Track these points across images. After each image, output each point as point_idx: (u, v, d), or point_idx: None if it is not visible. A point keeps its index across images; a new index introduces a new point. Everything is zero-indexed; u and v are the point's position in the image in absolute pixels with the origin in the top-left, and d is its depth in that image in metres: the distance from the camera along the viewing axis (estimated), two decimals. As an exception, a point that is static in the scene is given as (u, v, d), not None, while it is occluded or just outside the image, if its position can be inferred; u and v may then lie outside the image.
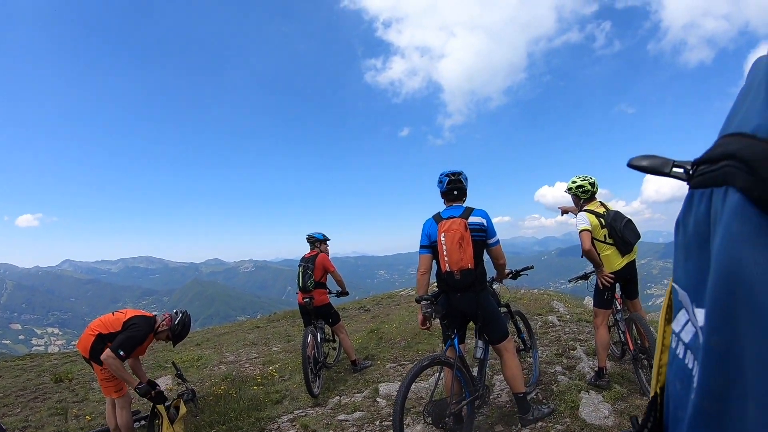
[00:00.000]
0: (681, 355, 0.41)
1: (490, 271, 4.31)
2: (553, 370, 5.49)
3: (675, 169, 0.47)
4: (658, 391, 0.49)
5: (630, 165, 0.53)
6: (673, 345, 0.44)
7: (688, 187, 0.42)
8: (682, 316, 0.42)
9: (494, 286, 4.59)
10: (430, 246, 4.07)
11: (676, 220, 0.45)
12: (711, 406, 0.35)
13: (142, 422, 4.97)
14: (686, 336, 0.40)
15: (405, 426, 3.45)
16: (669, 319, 0.48)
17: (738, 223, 0.34)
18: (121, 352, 4.33)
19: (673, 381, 0.43)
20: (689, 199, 0.42)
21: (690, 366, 0.39)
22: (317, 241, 6.83)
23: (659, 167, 0.47)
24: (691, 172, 0.42)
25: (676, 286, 0.43)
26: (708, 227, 0.37)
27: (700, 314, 0.37)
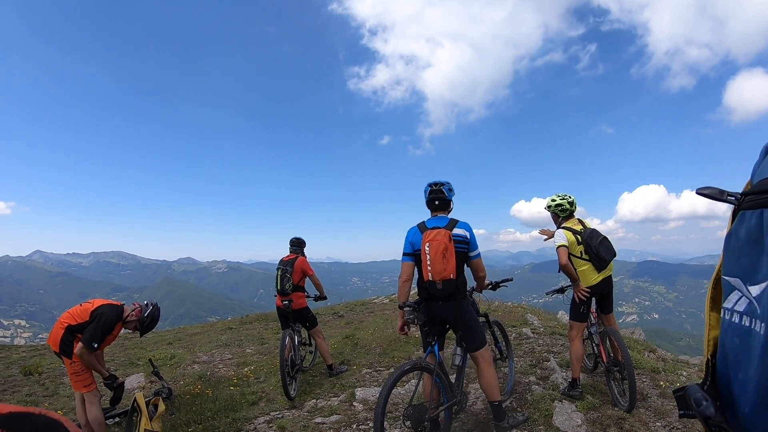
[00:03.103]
0: (737, 321, 0.65)
1: (470, 282, 4.40)
2: (527, 380, 5.63)
3: (729, 197, 0.72)
4: (710, 357, 0.75)
5: (697, 192, 0.78)
6: (727, 317, 0.68)
7: (735, 208, 0.69)
8: (734, 296, 0.66)
9: (473, 296, 4.69)
10: (413, 254, 4.11)
11: (728, 232, 0.70)
12: None
13: (116, 419, 4.91)
14: (740, 307, 0.64)
15: (383, 429, 3.50)
16: (714, 305, 0.75)
17: None
18: (95, 345, 4.30)
19: (731, 339, 0.65)
20: (741, 217, 0.67)
21: (747, 324, 0.62)
22: (302, 244, 6.87)
23: (717, 195, 0.73)
24: (740, 198, 0.68)
25: (726, 277, 0.68)
26: (760, 232, 0.62)
27: (754, 288, 0.61)
